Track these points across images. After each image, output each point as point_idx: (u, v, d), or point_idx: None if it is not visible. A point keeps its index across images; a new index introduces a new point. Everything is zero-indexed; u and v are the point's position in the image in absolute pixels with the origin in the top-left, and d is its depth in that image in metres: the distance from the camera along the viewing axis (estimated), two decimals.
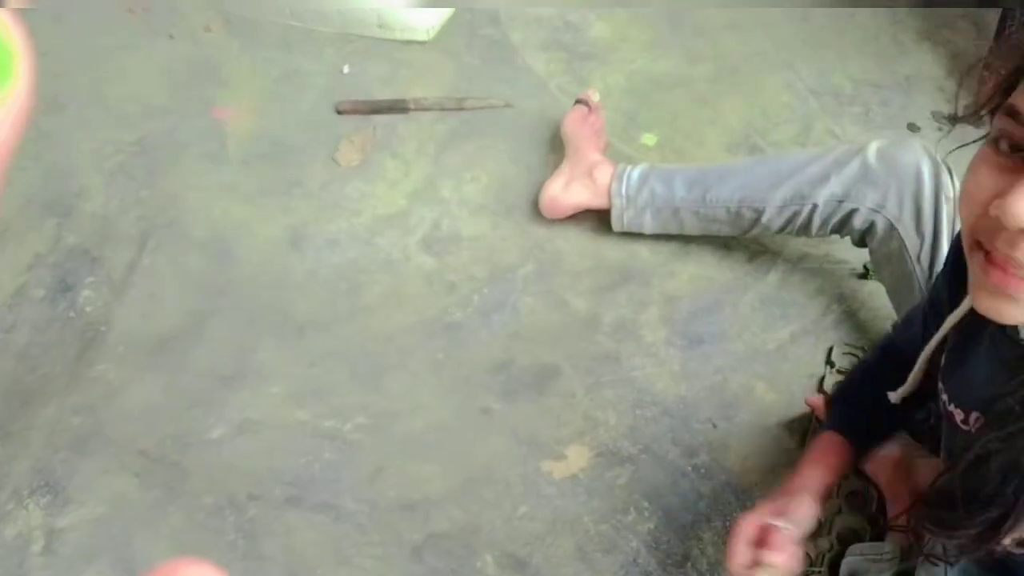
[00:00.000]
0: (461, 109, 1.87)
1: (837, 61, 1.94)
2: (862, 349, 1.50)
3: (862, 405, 1.23)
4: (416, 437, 1.44)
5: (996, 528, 0.85)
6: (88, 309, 1.58)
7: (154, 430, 1.44)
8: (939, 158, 1.40)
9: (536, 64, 1.95)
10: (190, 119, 1.85)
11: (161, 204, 1.72)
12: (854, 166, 1.42)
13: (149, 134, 1.83)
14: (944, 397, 0.98)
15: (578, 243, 1.66)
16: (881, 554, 1.24)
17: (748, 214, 1.50)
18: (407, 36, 1.98)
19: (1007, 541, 0.86)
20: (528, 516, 1.36)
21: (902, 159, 1.40)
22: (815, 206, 1.44)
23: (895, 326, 1.35)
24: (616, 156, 1.74)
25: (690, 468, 1.40)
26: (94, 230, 1.68)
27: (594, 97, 1.73)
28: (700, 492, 1.38)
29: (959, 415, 0.95)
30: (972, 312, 0.88)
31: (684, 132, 1.83)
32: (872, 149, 1.42)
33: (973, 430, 0.94)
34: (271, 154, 1.80)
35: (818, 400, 1.40)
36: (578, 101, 1.74)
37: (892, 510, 1.31)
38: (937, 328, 1.01)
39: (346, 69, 1.94)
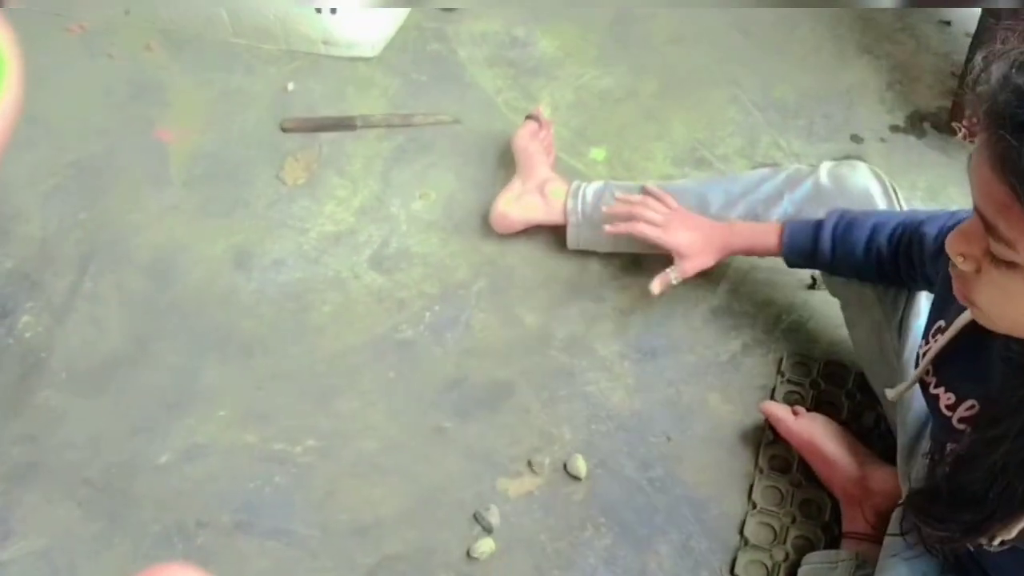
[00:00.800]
0: (408, 125, 1.86)
1: (780, 75, 1.97)
2: (812, 359, 1.51)
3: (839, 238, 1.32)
4: (368, 458, 1.42)
5: (978, 528, 0.87)
6: (28, 335, 1.53)
7: (98, 458, 1.40)
8: (887, 180, 1.43)
9: (483, 80, 1.95)
10: (131, 139, 1.82)
11: (102, 226, 1.68)
12: (806, 186, 1.45)
13: (88, 155, 1.79)
14: (931, 380, 1.02)
15: (530, 258, 1.65)
16: (836, 562, 1.25)
17: None
18: (353, 52, 1.96)
19: (987, 540, 0.88)
20: (484, 535, 1.34)
21: (852, 180, 1.43)
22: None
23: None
24: (565, 171, 1.74)
25: (645, 482, 1.40)
26: (32, 254, 1.64)
27: (544, 113, 1.74)
28: (656, 506, 1.37)
29: (946, 399, 0.98)
30: None
31: (632, 146, 1.83)
32: (824, 171, 1.46)
33: (956, 419, 0.98)
34: (215, 174, 1.77)
35: (772, 407, 1.40)
36: (528, 117, 1.73)
37: (847, 518, 1.32)
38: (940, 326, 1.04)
39: (291, 86, 1.92)
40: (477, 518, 1.34)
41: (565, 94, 1.93)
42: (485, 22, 2.06)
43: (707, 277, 1.62)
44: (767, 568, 1.31)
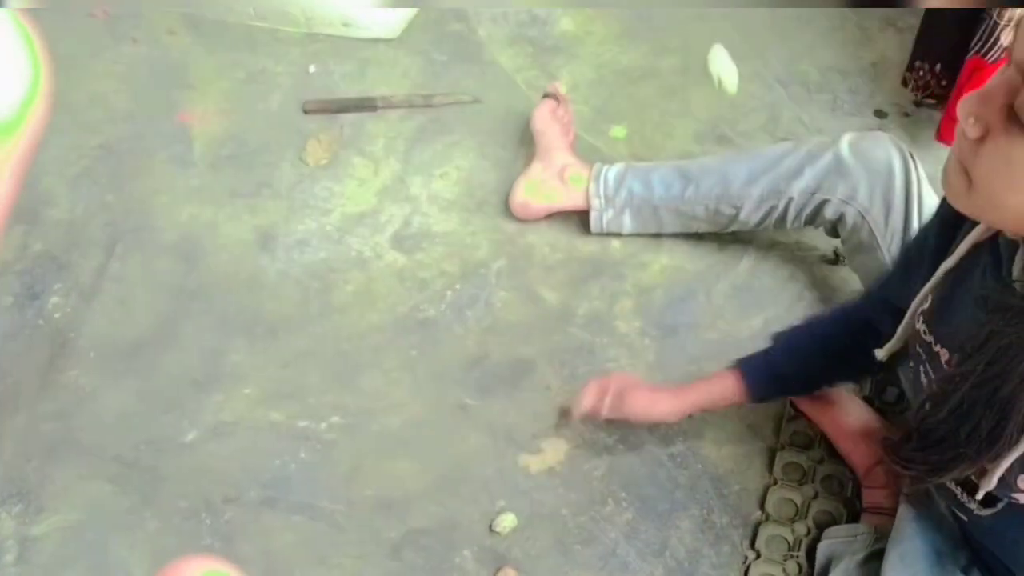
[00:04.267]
0: (429, 106, 1.86)
1: (804, 50, 1.96)
2: None
3: (791, 356, 1.29)
4: (392, 435, 1.43)
5: (945, 468, 0.88)
6: (57, 316, 1.56)
7: (127, 435, 1.43)
8: (908, 152, 1.42)
9: (503, 59, 1.95)
10: (156, 123, 1.84)
11: (128, 209, 1.70)
12: (827, 159, 1.44)
13: (114, 139, 1.81)
14: (930, 339, 1.00)
15: (550, 237, 1.66)
16: (856, 535, 1.25)
17: (727, 211, 1.51)
18: (373, 34, 1.97)
19: (965, 490, 0.88)
20: (506, 510, 1.35)
21: (874, 152, 1.42)
22: (790, 199, 1.46)
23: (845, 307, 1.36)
24: (585, 149, 1.74)
25: (666, 457, 1.40)
26: (61, 236, 1.66)
27: (561, 89, 1.73)
28: (677, 481, 1.38)
29: (944, 355, 0.98)
30: (964, 257, 0.94)
31: (653, 124, 1.83)
32: (845, 143, 1.44)
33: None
34: (238, 156, 1.79)
35: None
36: (546, 95, 1.73)
37: (867, 492, 1.32)
38: (925, 278, 1.02)
39: (312, 69, 1.93)
40: None
41: (585, 72, 1.93)
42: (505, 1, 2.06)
43: (728, 254, 1.62)
44: (788, 543, 1.32)
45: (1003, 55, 1.57)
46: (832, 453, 1.39)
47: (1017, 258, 0.84)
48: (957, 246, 0.96)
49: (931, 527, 1.14)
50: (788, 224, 1.49)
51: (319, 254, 1.64)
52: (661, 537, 1.33)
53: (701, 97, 1.87)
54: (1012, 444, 0.82)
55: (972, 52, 1.60)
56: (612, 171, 1.59)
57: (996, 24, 1.55)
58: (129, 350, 1.52)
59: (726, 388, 1.31)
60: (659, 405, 1.33)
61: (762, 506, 1.35)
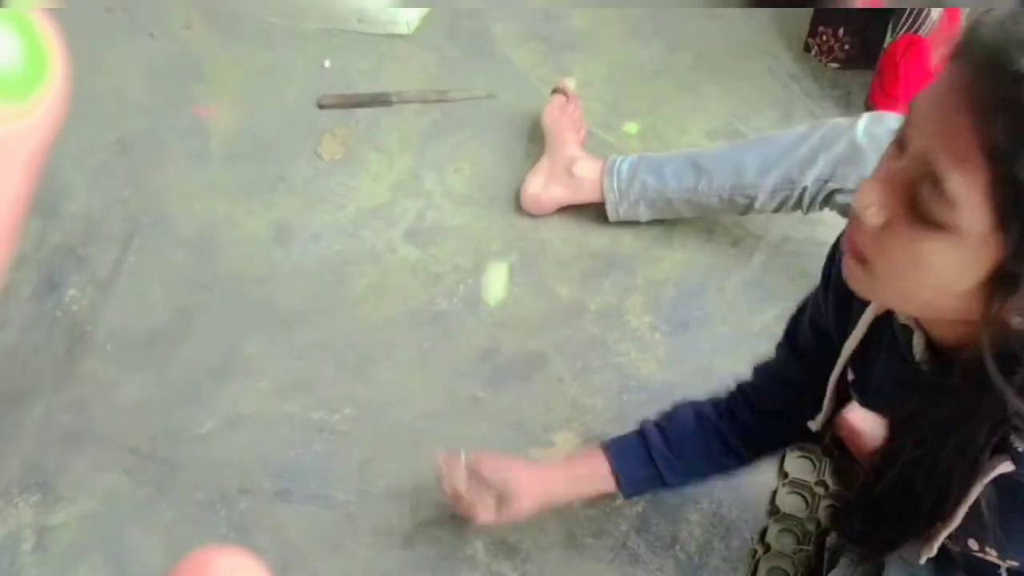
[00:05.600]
0: (443, 101, 1.87)
1: (803, 47, 1.95)
2: None
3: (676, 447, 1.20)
4: (405, 427, 1.45)
5: (893, 544, 0.87)
6: (75, 308, 1.58)
7: (144, 426, 1.45)
8: None
9: (517, 55, 1.96)
10: (172, 117, 1.86)
11: (145, 202, 1.72)
12: (841, 145, 1.42)
13: (131, 133, 1.83)
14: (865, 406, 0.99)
15: (562, 231, 1.67)
16: None
17: (741, 200, 1.51)
18: (388, 30, 1.98)
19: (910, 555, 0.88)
20: None
21: (889, 139, 1.40)
22: (804, 188, 1.45)
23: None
24: (599, 145, 1.75)
25: None
26: (79, 229, 1.68)
27: (570, 86, 1.74)
28: None
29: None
30: (865, 336, 0.91)
31: (666, 120, 1.84)
32: (860, 127, 1.42)
33: None
34: (254, 150, 1.80)
35: None
36: (555, 91, 1.74)
37: None
38: (831, 354, 0.99)
39: (327, 64, 1.94)
40: None
41: (598, 69, 1.93)
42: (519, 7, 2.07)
43: (740, 249, 1.63)
44: (798, 537, 1.32)
45: (936, 27, 1.56)
46: (843, 448, 1.39)
47: (915, 340, 0.81)
48: (854, 324, 0.92)
49: None
50: (803, 210, 1.49)
51: (334, 247, 1.66)
52: (671, 530, 1.34)
53: (714, 93, 1.88)
54: (950, 518, 0.80)
55: (903, 29, 1.60)
56: (625, 163, 1.60)
57: None
58: (145, 342, 1.54)
59: (596, 477, 1.21)
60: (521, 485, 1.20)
61: (772, 500, 1.36)
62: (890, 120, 1.44)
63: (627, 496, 1.24)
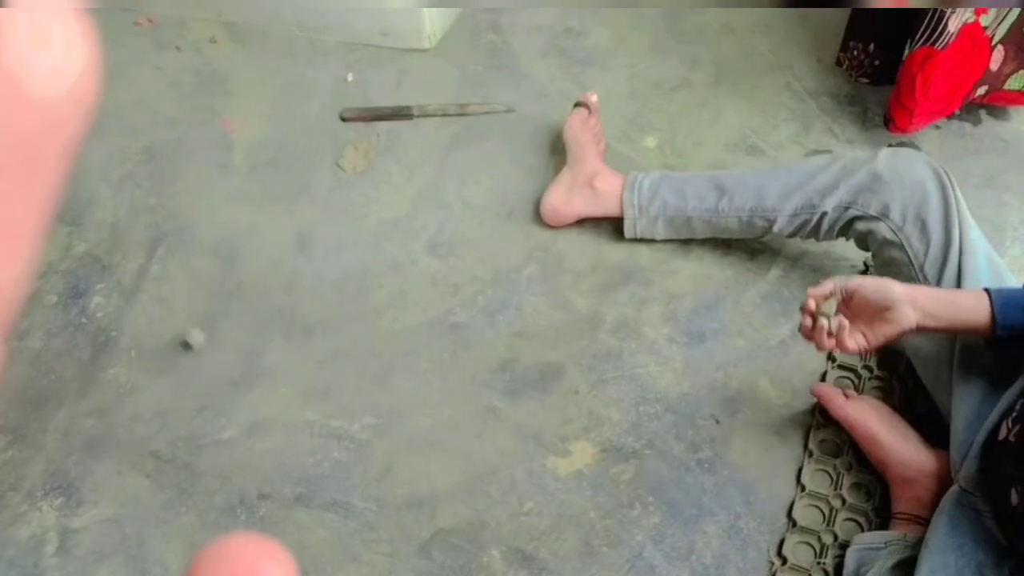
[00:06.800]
0: (464, 115, 1.89)
1: (834, 62, 1.96)
2: None
3: None
4: (423, 435, 1.46)
5: None
6: (99, 315, 1.60)
7: (165, 432, 1.47)
8: (944, 174, 1.40)
9: (537, 70, 1.98)
10: (197, 128, 1.88)
11: (170, 211, 1.75)
12: (862, 174, 1.44)
13: (157, 143, 1.86)
14: None
15: (579, 243, 1.68)
16: (886, 543, 1.26)
17: (760, 223, 1.52)
18: (410, 44, 2.01)
19: None
20: (534, 512, 1.37)
21: (909, 169, 1.41)
22: (824, 214, 1.46)
23: None
24: (618, 159, 1.76)
25: (694, 463, 1.42)
26: (104, 237, 1.71)
27: (593, 99, 1.76)
28: (704, 487, 1.39)
29: None
30: None
31: (684, 134, 1.85)
32: (881, 159, 1.44)
33: None
34: (277, 161, 1.83)
35: (825, 388, 1.41)
36: (578, 104, 1.76)
37: (896, 499, 1.33)
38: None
39: (350, 77, 1.97)
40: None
41: (618, 83, 1.95)
42: (539, 14, 2.09)
43: (757, 262, 1.63)
44: (815, 550, 1.33)
45: (953, 40, 1.58)
46: (860, 462, 1.39)
47: None
48: None
49: (970, 543, 1.15)
50: (820, 236, 1.50)
51: (355, 258, 1.67)
52: (688, 541, 1.34)
53: (732, 108, 1.89)
54: None
55: (920, 42, 1.61)
56: (647, 180, 1.61)
57: (942, 11, 1.56)
58: (168, 349, 1.56)
59: (973, 311, 1.17)
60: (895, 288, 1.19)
61: (789, 513, 1.36)
62: (906, 153, 1.46)
63: (999, 332, 1.16)
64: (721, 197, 1.54)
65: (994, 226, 1.67)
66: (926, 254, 1.37)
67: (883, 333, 1.18)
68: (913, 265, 1.39)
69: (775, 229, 1.51)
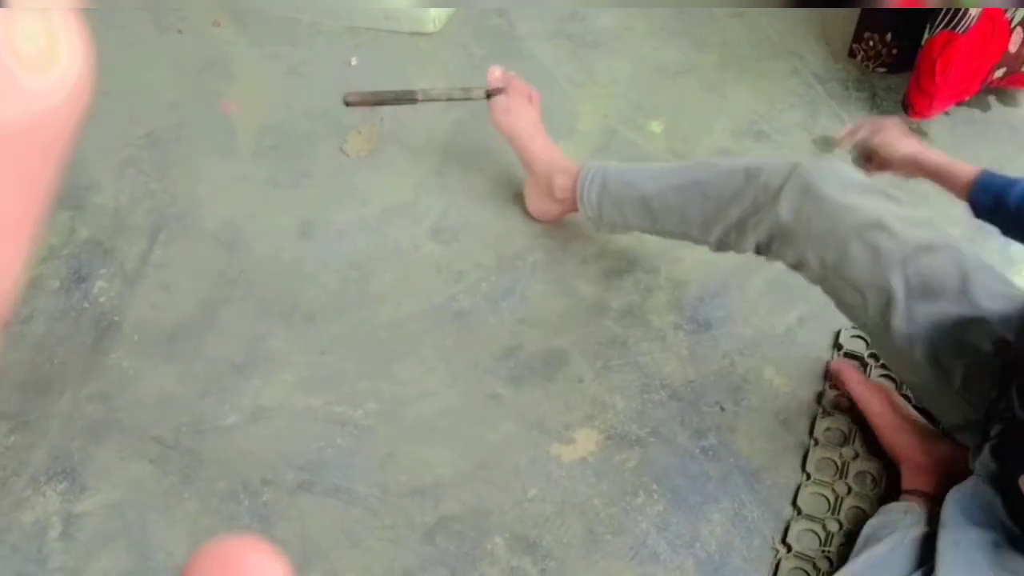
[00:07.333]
0: (468, 99, 1.87)
1: (843, 47, 1.95)
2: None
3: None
4: (426, 422, 1.45)
5: None
6: (102, 299, 1.59)
7: (168, 417, 1.46)
8: (859, 181, 1.24)
9: (542, 54, 1.96)
10: (199, 113, 1.87)
11: (172, 196, 1.74)
12: (769, 221, 1.28)
13: (159, 127, 1.85)
14: None
15: (584, 230, 1.67)
16: (905, 512, 1.24)
17: (696, 242, 1.44)
18: (414, 28, 1.99)
19: None
20: (538, 499, 1.37)
21: (817, 213, 1.22)
22: (746, 250, 1.37)
23: None
24: (624, 144, 1.75)
25: (698, 451, 1.41)
26: (106, 222, 1.70)
27: (496, 74, 1.61)
28: (708, 474, 1.39)
29: None
30: None
31: (690, 119, 1.84)
32: (783, 205, 1.25)
33: None
34: (280, 146, 1.82)
35: (844, 364, 1.41)
36: (489, 95, 1.62)
37: (907, 478, 1.31)
38: None
39: (354, 61, 1.95)
40: None
41: (624, 67, 1.94)
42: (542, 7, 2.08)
43: None
44: (820, 538, 1.32)
45: (974, 24, 1.57)
46: (868, 449, 1.39)
47: None
48: None
49: (987, 521, 1.14)
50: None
51: (358, 244, 1.67)
52: (692, 529, 1.34)
53: (739, 93, 1.88)
54: None
55: (940, 26, 1.59)
56: (593, 192, 1.49)
57: None
58: (171, 334, 1.55)
59: (963, 179, 1.20)
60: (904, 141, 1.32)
61: (794, 501, 1.36)
62: (817, 183, 1.24)
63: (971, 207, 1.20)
64: (654, 220, 1.45)
65: None
66: (865, 310, 1.21)
67: (884, 168, 1.33)
68: (848, 300, 1.25)
69: (713, 250, 1.42)
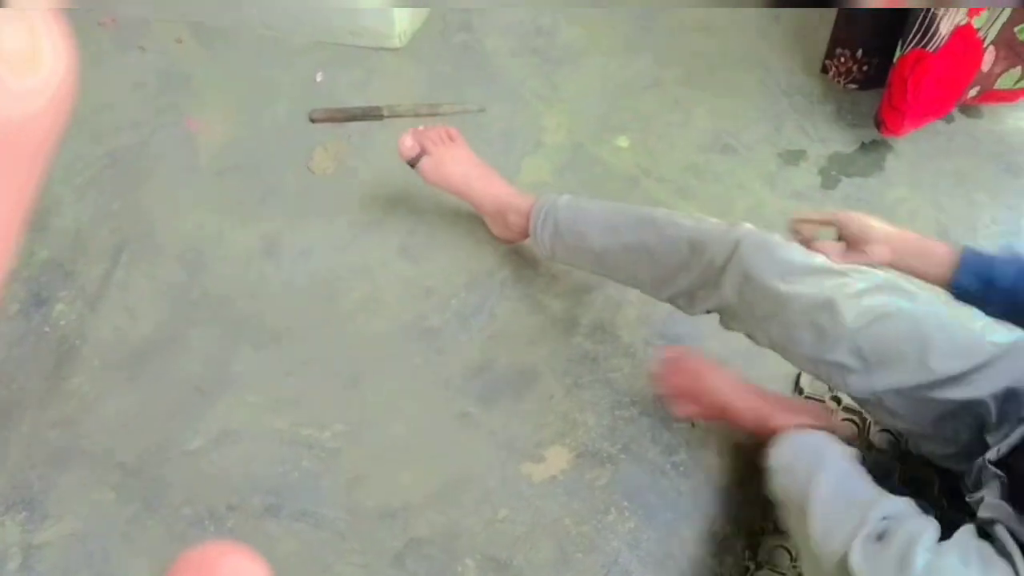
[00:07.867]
0: (435, 115, 1.87)
1: (808, 60, 1.96)
2: None
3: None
4: (395, 443, 1.43)
5: None
6: (62, 323, 1.56)
7: (132, 443, 1.43)
8: (800, 263, 1.18)
9: (509, 69, 1.96)
10: (162, 131, 1.85)
11: (134, 216, 1.71)
12: (715, 299, 1.28)
13: (120, 147, 1.82)
14: None
15: None
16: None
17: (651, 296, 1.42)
18: (380, 43, 1.98)
19: None
20: (509, 519, 1.36)
21: (760, 293, 1.20)
22: (697, 314, 1.36)
23: None
24: (591, 161, 1.74)
25: (669, 466, 1.40)
26: (67, 244, 1.67)
27: (407, 143, 1.57)
28: (680, 490, 1.38)
29: None
30: None
31: (657, 134, 1.84)
32: (727, 285, 1.24)
33: None
34: (245, 164, 1.80)
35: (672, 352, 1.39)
36: (412, 165, 1.59)
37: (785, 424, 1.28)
38: None
39: (319, 77, 1.94)
40: None
41: (590, 82, 1.93)
42: (511, 12, 2.07)
43: None
44: (790, 554, 1.31)
45: (945, 42, 1.57)
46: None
47: None
48: None
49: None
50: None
51: (324, 262, 1.65)
52: (664, 546, 1.33)
53: (705, 108, 1.88)
54: None
55: (911, 44, 1.60)
56: (546, 235, 1.46)
57: (934, 14, 1.55)
58: (134, 358, 1.53)
59: (944, 260, 1.10)
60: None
61: (764, 516, 1.35)
62: (755, 281, 1.20)
63: (953, 291, 1.10)
64: (608, 272, 1.43)
65: (966, 225, 1.66)
66: (822, 377, 1.21)
67: (856, 260, 1.16)
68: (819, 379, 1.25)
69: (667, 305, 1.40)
